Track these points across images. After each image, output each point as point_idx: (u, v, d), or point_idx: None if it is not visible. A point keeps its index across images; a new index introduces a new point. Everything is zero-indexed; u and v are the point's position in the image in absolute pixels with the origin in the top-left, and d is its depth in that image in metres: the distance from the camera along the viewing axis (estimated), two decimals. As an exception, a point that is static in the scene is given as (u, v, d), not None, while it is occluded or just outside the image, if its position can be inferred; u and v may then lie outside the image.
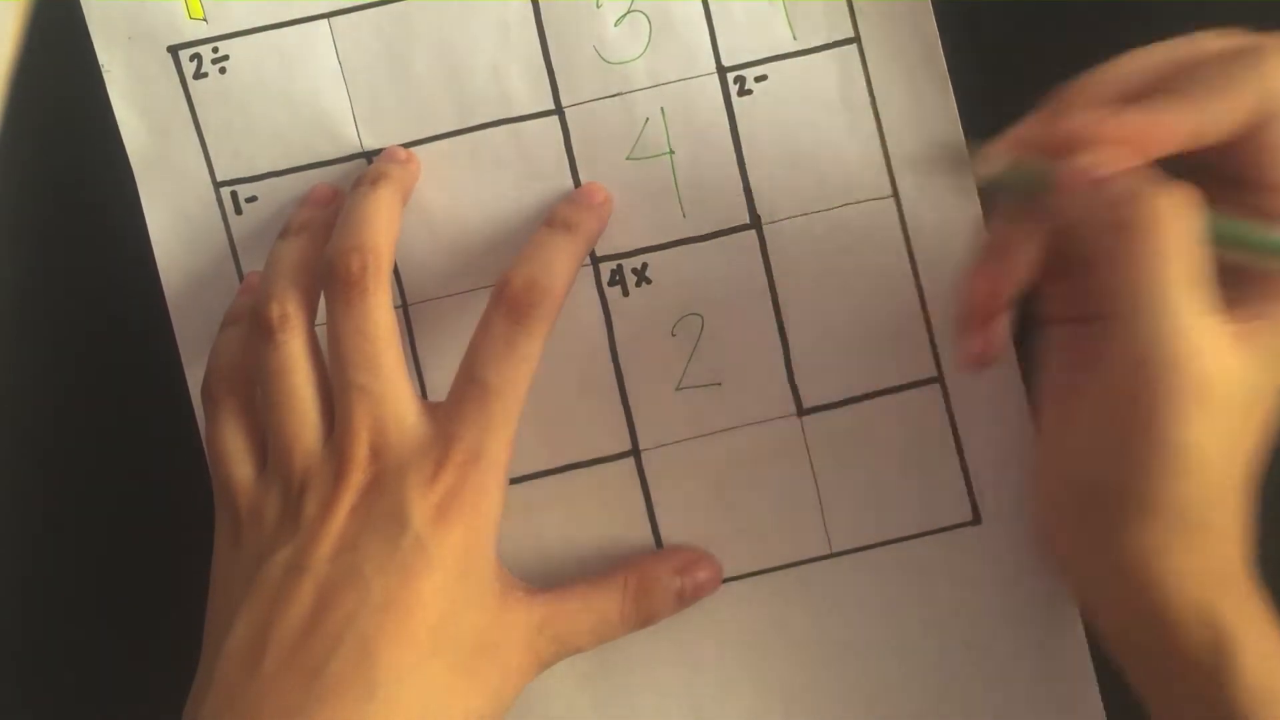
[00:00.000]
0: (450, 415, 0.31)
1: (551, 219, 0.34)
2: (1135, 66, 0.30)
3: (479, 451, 0.31)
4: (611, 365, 0.36)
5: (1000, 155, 0.30)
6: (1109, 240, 0.28)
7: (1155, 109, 0.28)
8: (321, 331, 0.33)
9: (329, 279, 0.32)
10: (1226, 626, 0.29)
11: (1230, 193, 0.29)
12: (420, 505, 0.30)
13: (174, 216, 0.37)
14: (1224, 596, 0.29)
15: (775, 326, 0.36)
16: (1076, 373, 0.32)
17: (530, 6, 0.36)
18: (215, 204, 0.37)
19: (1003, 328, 0.33)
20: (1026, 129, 0.30)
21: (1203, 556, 0.29)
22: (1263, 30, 0.30)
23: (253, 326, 0.33)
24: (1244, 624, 0.29)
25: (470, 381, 0.31)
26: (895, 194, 0.36)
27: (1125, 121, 0.28)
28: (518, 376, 0.31)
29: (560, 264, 0.33)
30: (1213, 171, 0.29)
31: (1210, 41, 0.30)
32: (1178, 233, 0.27)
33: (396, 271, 0.36)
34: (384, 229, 0.33)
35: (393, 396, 0.31)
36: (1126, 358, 0.28)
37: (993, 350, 0.33)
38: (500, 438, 0.31)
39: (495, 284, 0.32)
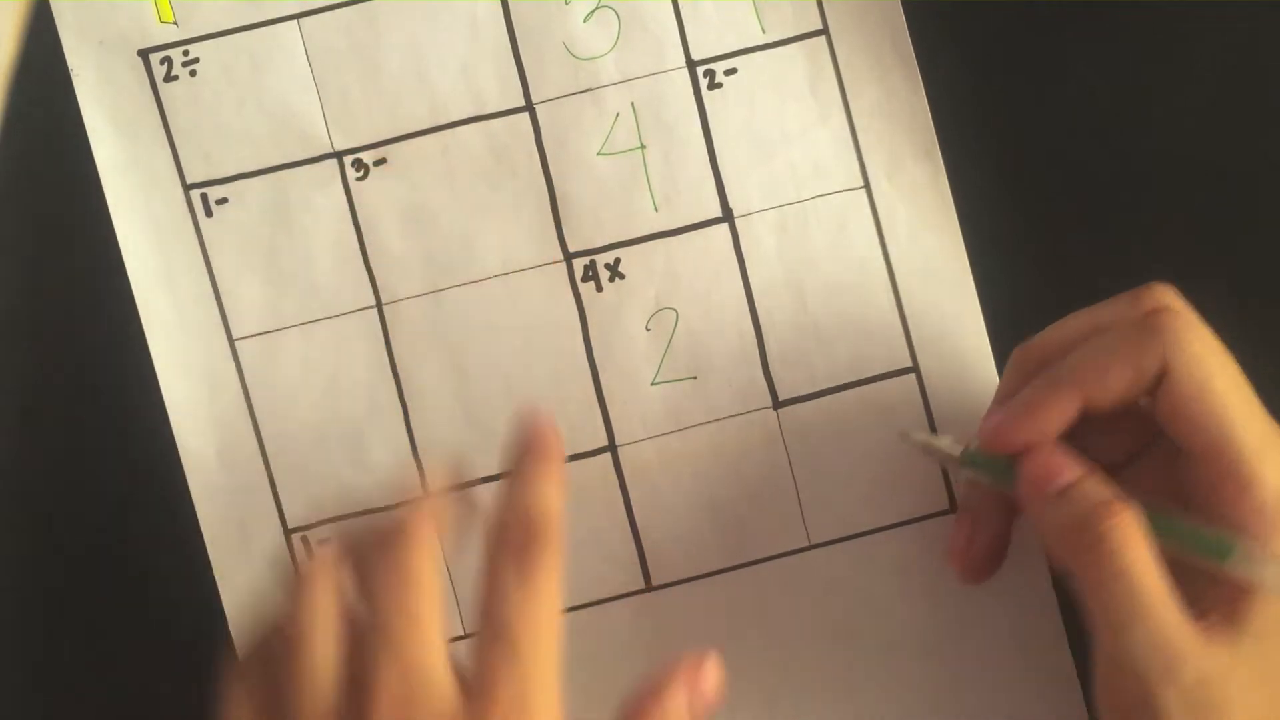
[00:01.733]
0: (484, 674, 0.28)
1: (521, 448, 0.31)
2: (1064, 334, 0.31)
3: (524, 705, 0.27)
4: (586, 361, 0.36)
5: (965, 454, 0.32)
6: (1081, 559, 0.29)
7: (1037, 393, 0.30)
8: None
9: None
10: None
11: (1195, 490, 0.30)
12: None
13: (143, 220, 0.36)
14: None
15: (750, 319, 0.36)
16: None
17: (499, 4, 0.36)
18: (185, 206, 0.37)
19: (998, 554, 0.34)
20: (984, 430, 0.31)
21: None
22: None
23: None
24: None
25: (495, 639, 0.28)
26: (867, 184, 0.36)
27: (1010, 415, 0.30)
28: (545, 616, 0.29)
29: (549, 489, 0.30)
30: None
31: (1122, 307, 0.31)
32: (1143, 545, 0.28)
33: (370, 271, 0.36)
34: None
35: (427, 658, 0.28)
36: (1123, 667, 0.28)
37: (991, 571, 0.34)
38: (543, 685, 0.28)
39: (489, 535, 0.29)
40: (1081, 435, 0.30)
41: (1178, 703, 0.28)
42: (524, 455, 0.31)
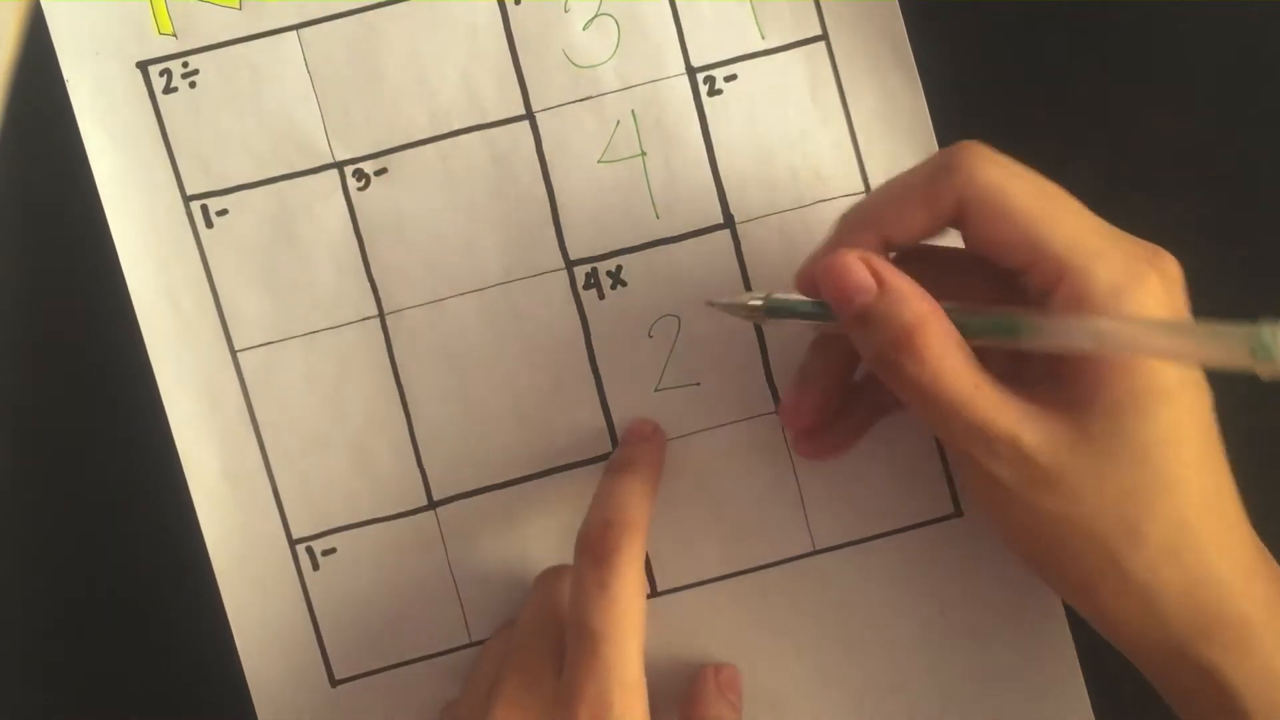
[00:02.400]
0: (570, 674, 0.30)
1: (610, 464, 0.35)
2: (880, 193, 0.32)
3: (607, 702, 0.29)
4: (589, 368, 0.36)
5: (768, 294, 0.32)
6: (893, 382, 0.29)
7: (839, 234, 0.31)
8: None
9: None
10: (1209, 664, 0.28)
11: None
12: None
13: (143, 232, 0.36)
14: (1198, 638, 0.29)
15: (752, 326, 0.36)
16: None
17: (498, 12, 0.36)
18: (185, 218, 0.36)
19: (843, 429, 0.34)
20: (800, 272, 0.32)
21: (1152, 605, 0.29)
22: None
23: None
24: (1236, 661, 0.28)
25: (580, 634, 0.30)
26: (867, 189, 0.36)
27: (819, 258, 0.31)
28: (621, 617, 0.30)
29: (630, 498, 0.32)
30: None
31: (929, 160, 0.31)
32: (947, 352, 0.28)
33: (372, 281, 0.36)
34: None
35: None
36: (963, 462, 0.30)
37: (828, 452, 0.34)
38: (623, 682, 0.30)
39: (576, 541, 0.32)
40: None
41: (1012, 478, 0.28)
42: (616, 463, 0.34)
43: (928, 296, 0.29)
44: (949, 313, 0.29)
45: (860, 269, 0.29)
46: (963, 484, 0.31)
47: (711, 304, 0.34)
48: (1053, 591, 0.35)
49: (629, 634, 0.30)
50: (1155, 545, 0.28)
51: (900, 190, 0.31)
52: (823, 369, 0.33)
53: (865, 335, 0.29)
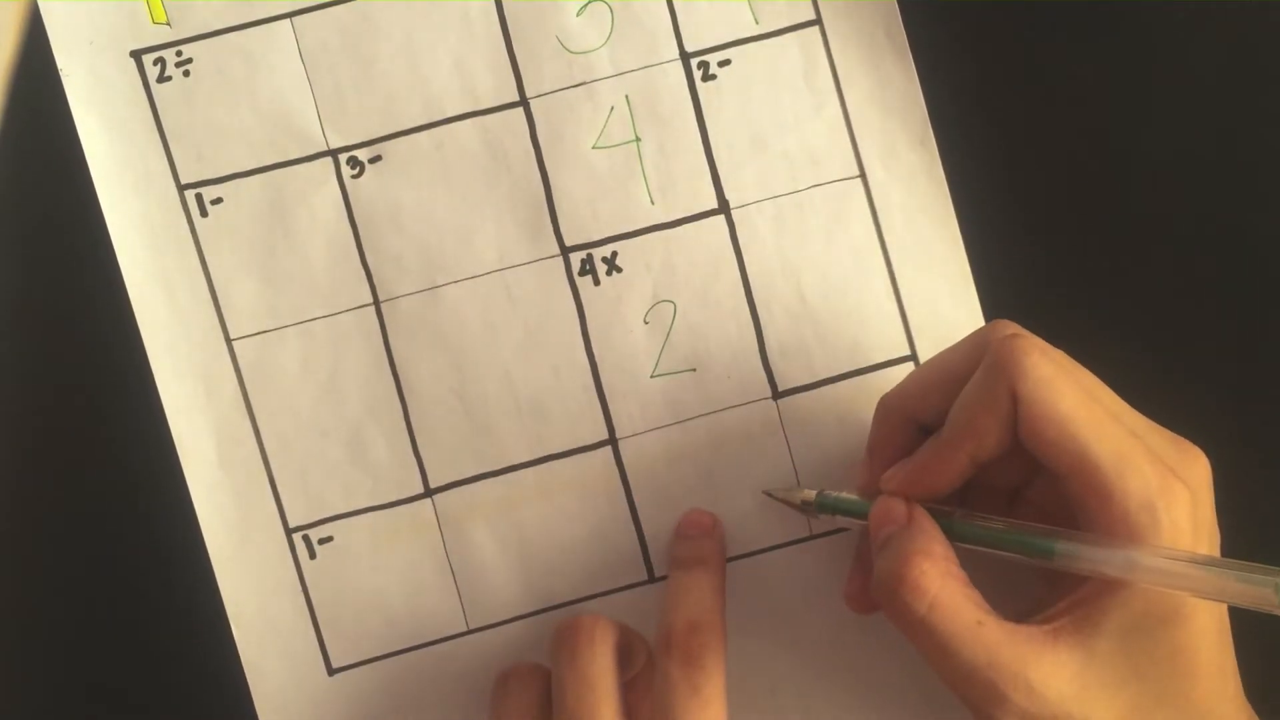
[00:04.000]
0: None
1: (679, 560, 0.35)
2: (919, 380, 0.33)
3: None
4: (585, 355, 0.36)
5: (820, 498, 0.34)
6: (890, 613, 0.30)
7: (925, 456, 0.31)
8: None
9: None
10: None
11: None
12: None
13: (138, 221, 0.36)
14: None
15: (748, 310, 0.36)
16: None
17: (492, -1, 0.36)
18: (180, 207, 0.36)
19: None
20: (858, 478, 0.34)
21: None
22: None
23: None
24: None
25: None
26: (862, 174, 0.36)
27: (906, 480, 0.32)
28: (712, 715, 0.31)
29: (710, 598, 0.33)
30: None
31: (966, 348, 0.31)
32: (941, 586, 0.29)
33: (367, 269, 0.36)
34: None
35: None
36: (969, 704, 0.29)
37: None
38: None
39: (656, 638, 0.32)
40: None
41: (1018, 716, 0.28)
42: (685, 559, 0.34)
43: (941, 538, 0.30)
44: (984, 525, 0.30)
45: (897, 503, 0.31)
46: None
47: (769, 494, 0.35)
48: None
49: None
50: None
51: (968, 404, 0.30)
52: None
53: (879, 562, 0.30)
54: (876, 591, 0.30)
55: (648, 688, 0.33)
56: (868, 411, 0.36)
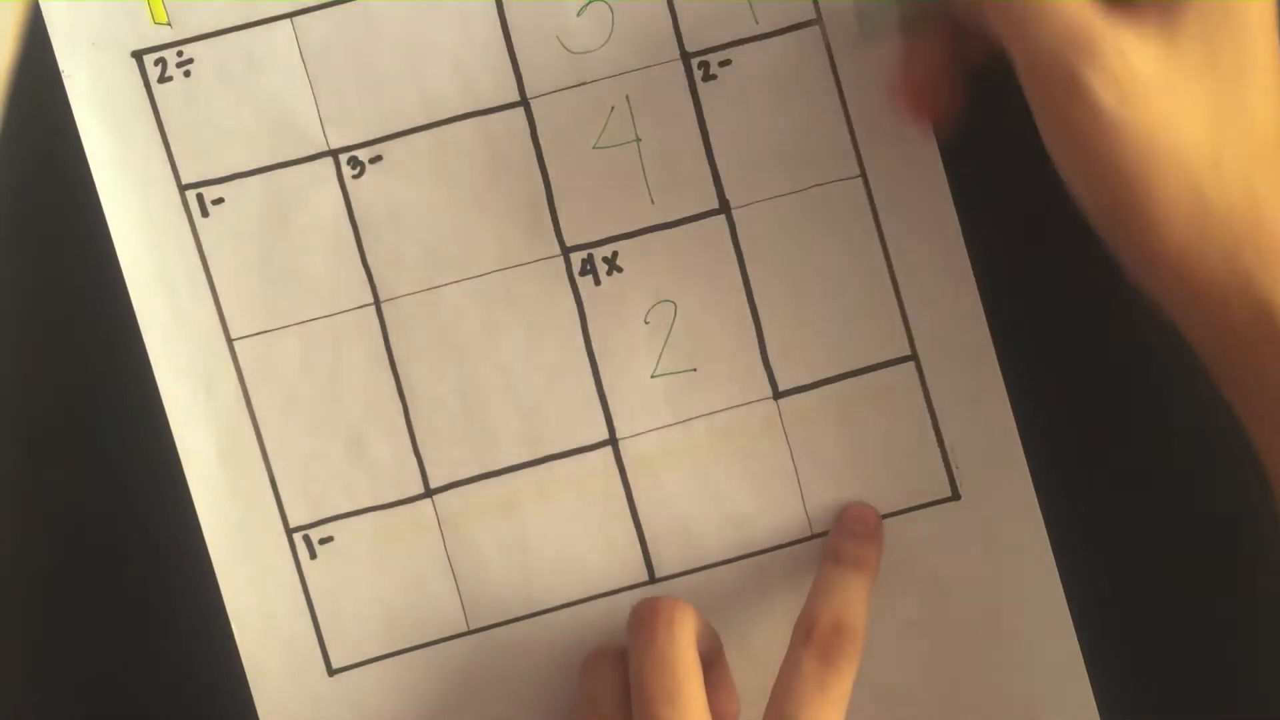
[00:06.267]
0: None
1: (838, 555, 0.34)
2: None
3: None
4: (586, 355, 0.36)
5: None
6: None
7: None
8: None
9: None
10: (1266, 297, 0.28)
11: None
12: None
13: (139, 221, 0.36)
14: (1260, 268, 0.28)
15: (748, 310, 0.36)
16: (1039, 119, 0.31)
17: (492, -1, 0.36)
18: (181, 207, 0.36)
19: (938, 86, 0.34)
20: None
21: (1221, 235, 0.28)
22: None
23: None
24: None
25: None
26: (863, 173, 0.36)
27: None
28: (833, 716, 0.31)
29: (859, 602, 0.33)
30: None
31: None
32: None
33: (367, 269, 0.36)
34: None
35: None
36: (1045, 70, 0.29)
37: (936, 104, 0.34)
38: None
39: (799, 624, 0.32)
40: None
41: (1101, 81, 0.28)
42: (844, 556, 0.34)
43: None
44: None
45: None
46: (1042, 120, 0.30)
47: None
48: (1052, 575, 0.35)
49: None
50: (1232, 172, 0.28)
51: None
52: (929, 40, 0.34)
53: None
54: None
55: (714, 687, 0.33)
56: (868, 411, 0.36)
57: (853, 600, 0.33)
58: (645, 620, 0.32)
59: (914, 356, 0.36)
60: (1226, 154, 0.28)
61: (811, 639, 0.32)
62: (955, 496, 0.36)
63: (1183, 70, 0.28)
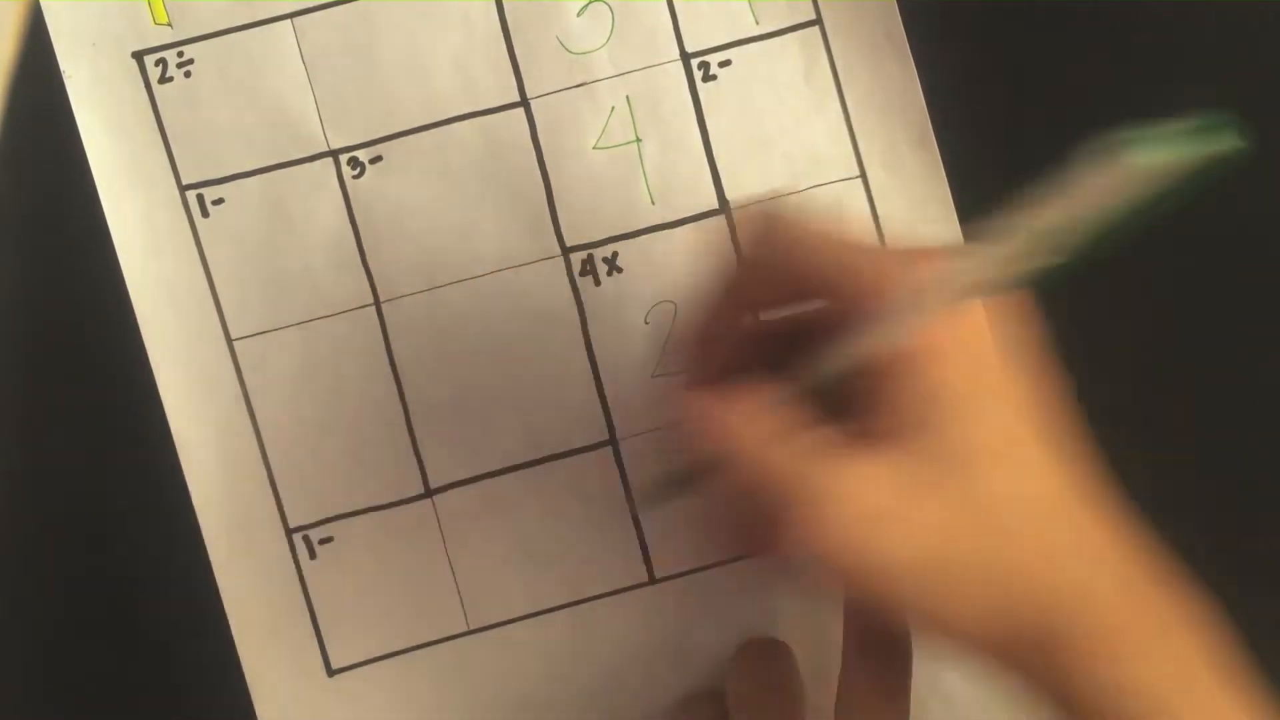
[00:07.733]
0: None
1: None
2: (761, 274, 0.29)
3: None
4: (586, 355, 0.36)
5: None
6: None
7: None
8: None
9: None
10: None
11: None
12: None
13: (139, 221, 0.36)
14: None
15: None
16: None
17: (493, 0, 0.36)
18: (181, 207, 0.36)
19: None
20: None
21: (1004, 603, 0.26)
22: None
23: None
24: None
25: None
26: (863, 174, 0.36)
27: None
28: None
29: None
30: None
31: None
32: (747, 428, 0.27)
33: (367, 269, 0.36)
34: None
35: None
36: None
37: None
38: None
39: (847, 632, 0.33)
40: None
41: (835, 531, 0.25)
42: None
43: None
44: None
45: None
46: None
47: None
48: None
49: None
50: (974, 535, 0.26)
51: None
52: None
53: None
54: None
55: None
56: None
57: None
58: (748, 655, 0.34)
59: (914, 357, 0.36)
60: (963, 516, 0.26)
61: (867, 653, 0.32)
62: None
63: (907, 477, 0.26)
